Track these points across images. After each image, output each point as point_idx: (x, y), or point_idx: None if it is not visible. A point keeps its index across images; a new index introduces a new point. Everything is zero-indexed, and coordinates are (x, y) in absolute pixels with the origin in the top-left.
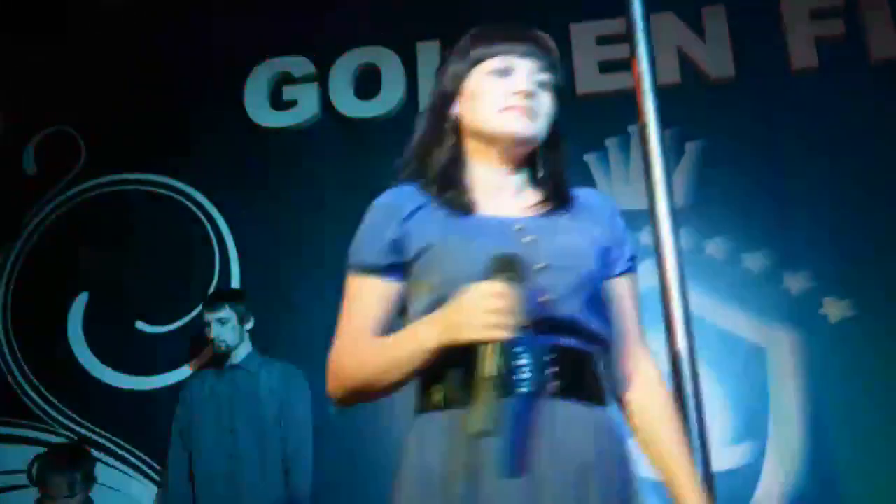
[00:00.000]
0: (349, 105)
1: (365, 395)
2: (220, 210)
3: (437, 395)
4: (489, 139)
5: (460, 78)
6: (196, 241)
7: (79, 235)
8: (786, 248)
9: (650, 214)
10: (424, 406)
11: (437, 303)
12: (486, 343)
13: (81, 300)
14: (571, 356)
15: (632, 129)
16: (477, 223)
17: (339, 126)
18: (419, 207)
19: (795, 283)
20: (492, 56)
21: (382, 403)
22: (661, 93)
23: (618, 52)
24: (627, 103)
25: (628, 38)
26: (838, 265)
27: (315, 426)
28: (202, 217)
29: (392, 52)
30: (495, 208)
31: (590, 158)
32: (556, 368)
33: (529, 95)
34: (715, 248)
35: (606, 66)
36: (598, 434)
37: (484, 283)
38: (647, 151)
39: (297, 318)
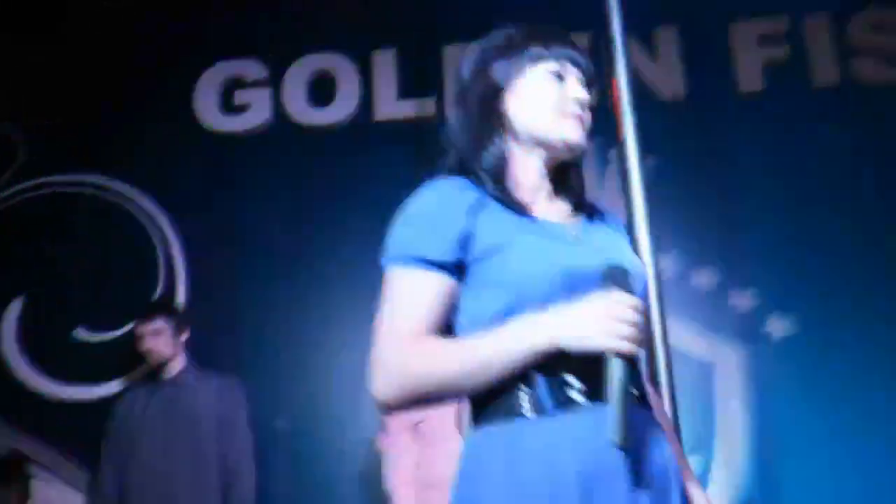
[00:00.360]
0: (303, 111)
1: (432, 399)
2: (168, 215)
3: (525, 404)
4: (541, 142)
5: (513, 74)
6: (141, 246)
7: (17, 237)
8: (732, 267)
9: (628, 227)
10: (506, 414)
11: (516, 305)
12: (616, 353)
13: (16, 305)
14: (636, 365)
15: None
16: (538, 226)
17: (291, 132)
18: (478, 202)
19: (741, 300)
20: (550, 58)
21: (329, 417)
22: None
23: None
24: None
25: (607, 56)
26: (783, 284)
27: (260, 441)
28: (148, 222)
29: (347, 59)
30: (541, 212)
31: None
32: (634, 378)
33: (584, 105)
34: (664, 264)
35: None
36: (666, 439)
37: (615, 293)
38: (626, 168)
39: (243, 328)
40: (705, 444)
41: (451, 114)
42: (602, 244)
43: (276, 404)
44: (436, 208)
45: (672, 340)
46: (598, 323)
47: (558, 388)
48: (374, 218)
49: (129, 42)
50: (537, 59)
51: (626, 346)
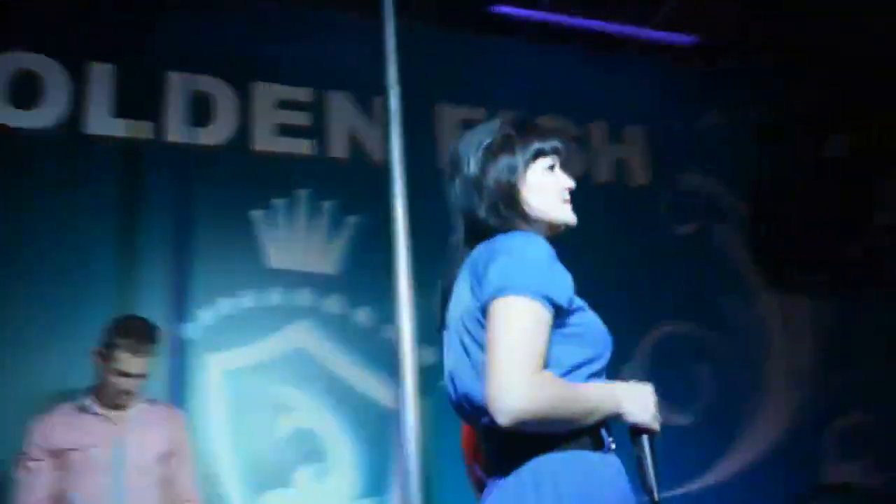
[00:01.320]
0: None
1: (548, 426)
2: None
3: (590, 440)
4: (550, 226)
5: (521, 168)
6: None
7: None
8: (421, 325)
9: (392, 284)
10: (578, 447)
11: (593, 359)
12: (651, 432)
13: None
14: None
15: (298, 192)
16: None
17: None
18: None
19: (428, 355)
20: (548, 154)
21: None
22: (329, 165)
23: (296, 118)
24: (298, 168)
25: (383, 121)
26: None
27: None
28: None
29: (58, 64)
30: None
31: (256, 215)
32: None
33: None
34: (363, 316)
35: (284, 130)
36: None
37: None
38: (394, 227)
39: None
40: (383, 487)
41: (462, 197)
42: None
43: None
44: (555, 260)
45: (363, 388)
46: (651, 408)
47: (606, 435)
48: (66, 232)
49: None
50: (540, 153)
51: (658, 428)
